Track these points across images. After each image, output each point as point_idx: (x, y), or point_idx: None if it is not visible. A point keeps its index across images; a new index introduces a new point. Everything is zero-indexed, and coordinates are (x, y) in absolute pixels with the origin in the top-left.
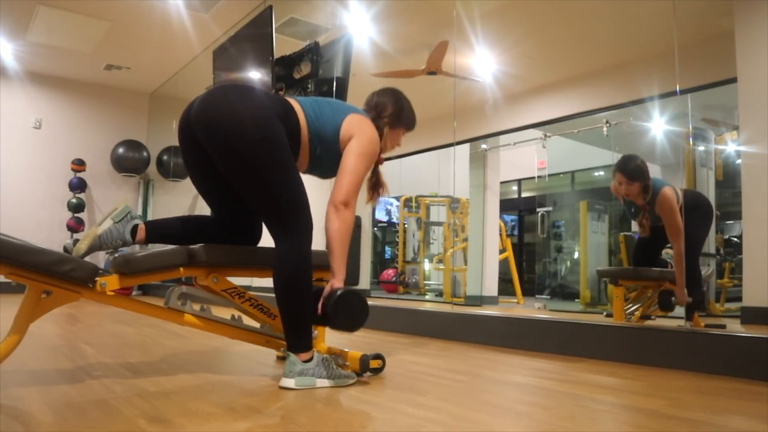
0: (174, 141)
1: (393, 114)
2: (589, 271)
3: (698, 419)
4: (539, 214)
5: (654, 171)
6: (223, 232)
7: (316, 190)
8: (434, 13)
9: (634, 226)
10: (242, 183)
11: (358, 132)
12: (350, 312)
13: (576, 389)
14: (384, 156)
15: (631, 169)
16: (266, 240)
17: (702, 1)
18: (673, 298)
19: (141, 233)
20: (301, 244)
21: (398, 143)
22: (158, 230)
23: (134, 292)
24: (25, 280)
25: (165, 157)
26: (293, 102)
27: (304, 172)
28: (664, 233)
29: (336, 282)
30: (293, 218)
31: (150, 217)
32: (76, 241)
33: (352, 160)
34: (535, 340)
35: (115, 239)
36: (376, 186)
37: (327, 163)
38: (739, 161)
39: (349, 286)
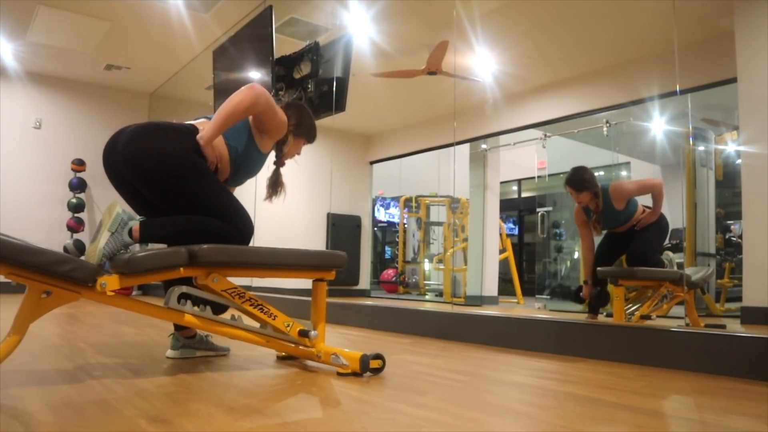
0: None
1: (296, 125)
2: None
3: (698, 419)
4: (539, 214)
5: (654, 171)
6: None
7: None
8: (434, 13)
9: None
10: (176, 207)
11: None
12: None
13: (576, 389)
14: (287, 161)
15: (576, 181)
16: (266, 240)
17: (702, 1)
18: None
19: (135, 233)
20: (229, 231)
21: (298, 152)
22: (152, 228)
23: (134, 292)
24: (25, 280)
25: None
26: (200, 124)
27: (228, 183)
28: (620, 240)
29: (203, 131)
30: (232, 220)
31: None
32: (76, 241)
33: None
34: (535, 340)
35: (118, 247)
36: (275, 184)
37: (253, 160)
38: (739, 161)
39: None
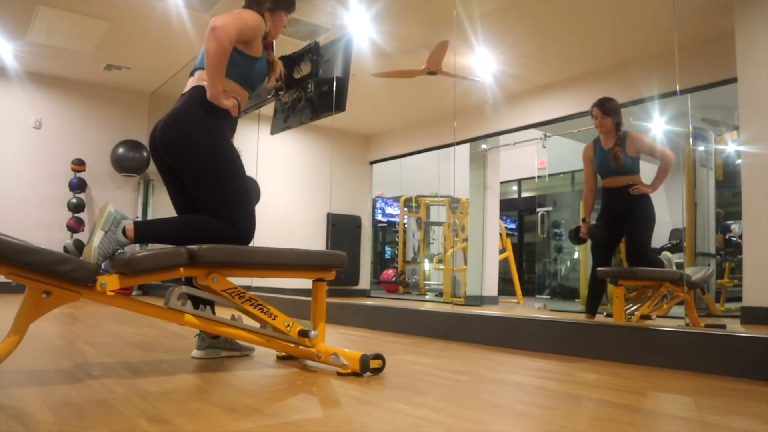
0: None
1: (270, 2)
2: (589, 271)
3: (698, 419)
4: (539, 214)
5: (654, 171)
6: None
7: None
8: (434, 13)
9: None
10: (198, 193)
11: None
12: None
13: (576, 389)
14: (274, 39)
15: (607, 106)
16: (266, 240)
17: (702, 1)
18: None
19: (129, 232)
20: (231, 231)
21: (283, 25)
22: (147, 227)
23: (134, 292)
24: (25, 280)
25: None
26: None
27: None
28: (617, 235)
29: (208, 90)
30: (239, 215)
31: (150, 217)
32: (76, 241)
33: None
34: (535, 340)
35: (113, 246)
36: (271, 64)
37: (253, 72)
38: (739, 161)
39: None
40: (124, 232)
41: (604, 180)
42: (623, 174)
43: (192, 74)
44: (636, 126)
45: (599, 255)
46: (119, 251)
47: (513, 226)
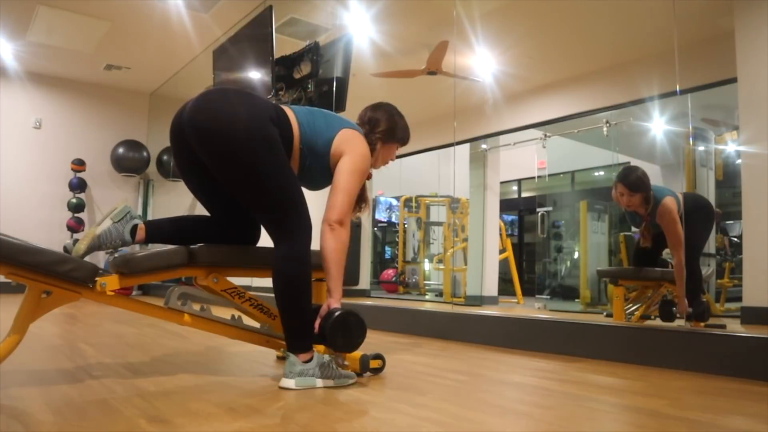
0: None
1: (386, 130)
2: (589, 271)
3: (698, 419)
4: (539, 214)
5: (654, 171)
6: (221, 232)
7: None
8: (434, 13)
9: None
10: (237, 186)
11: (350, 148)
12: (348, 333)
13: (576, 389)
14: (372, 171)
15: (632, 180)
16: (266, 240)
17: (702, 1)
18: (674, 309)
19: (141, 233)
20: (300, 246)
21: (392, 158)
22: (158, 230)
23: (134, 292)
24: (25, 280)
25: (165, 157)
26: (288, 110)
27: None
28: (664, 238)
29: (333, 302)
30: (291, 219)
31: (150, 217)
32: (76, 241)
33: (344, 177)
34: (535, 340)
35: (114, 239)
36: (359, 201)
37: (316, 176)
38: (739, 161)
39: (346, 308)
40: (133, 233)
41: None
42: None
43: None
44: (663, 191)
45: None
46: (118, 251)
47: (510, 218)
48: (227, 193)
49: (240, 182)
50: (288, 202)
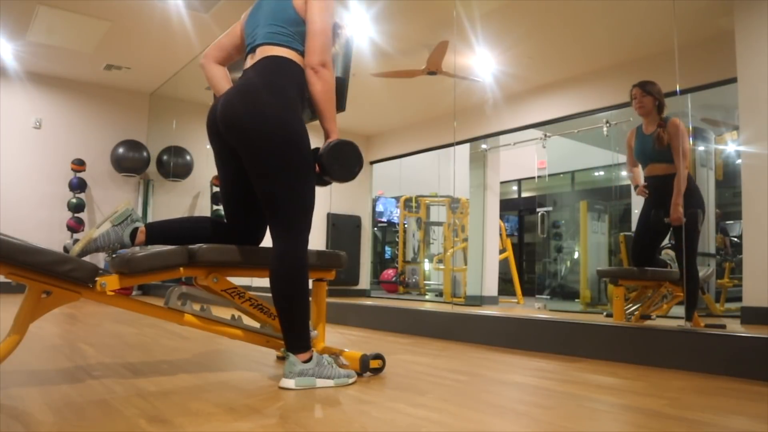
0: (173, 141)
1: None
2: (589, 271)
3: (698, 419)
4: (539, 214)
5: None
6: (225, 234)
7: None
8: (434, 13)
9: (634, 225)
10: (262, 181)
11: None
12: (344, 159)
13: (576, 389)
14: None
15: (645, 82)
16: (266, 240)
17: (702, 1)
18: (666, 219)
19: (141, 236)
20: (299, 245)
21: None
22: (159, 232)
23: (134, 292)
24: (25, 280)
25: (165, 157)
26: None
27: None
28: (662, 235)
29: (334, 135)
30: (298, 221)
31: (150, 218)
32: (76, 241)
33: (317, 17)
34: (535, 340)
35: (112, 242)
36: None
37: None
38: (739, 161)
39: (343, 138)
40: (134, 234)
41: (645, 169)
42: (667, 162)
43: (253, 51)
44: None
45: (640, 254)
46: (116, 253)
47: (510, 217)
48: (252, 201)
49: (265, 178)
50: (302, 207)
